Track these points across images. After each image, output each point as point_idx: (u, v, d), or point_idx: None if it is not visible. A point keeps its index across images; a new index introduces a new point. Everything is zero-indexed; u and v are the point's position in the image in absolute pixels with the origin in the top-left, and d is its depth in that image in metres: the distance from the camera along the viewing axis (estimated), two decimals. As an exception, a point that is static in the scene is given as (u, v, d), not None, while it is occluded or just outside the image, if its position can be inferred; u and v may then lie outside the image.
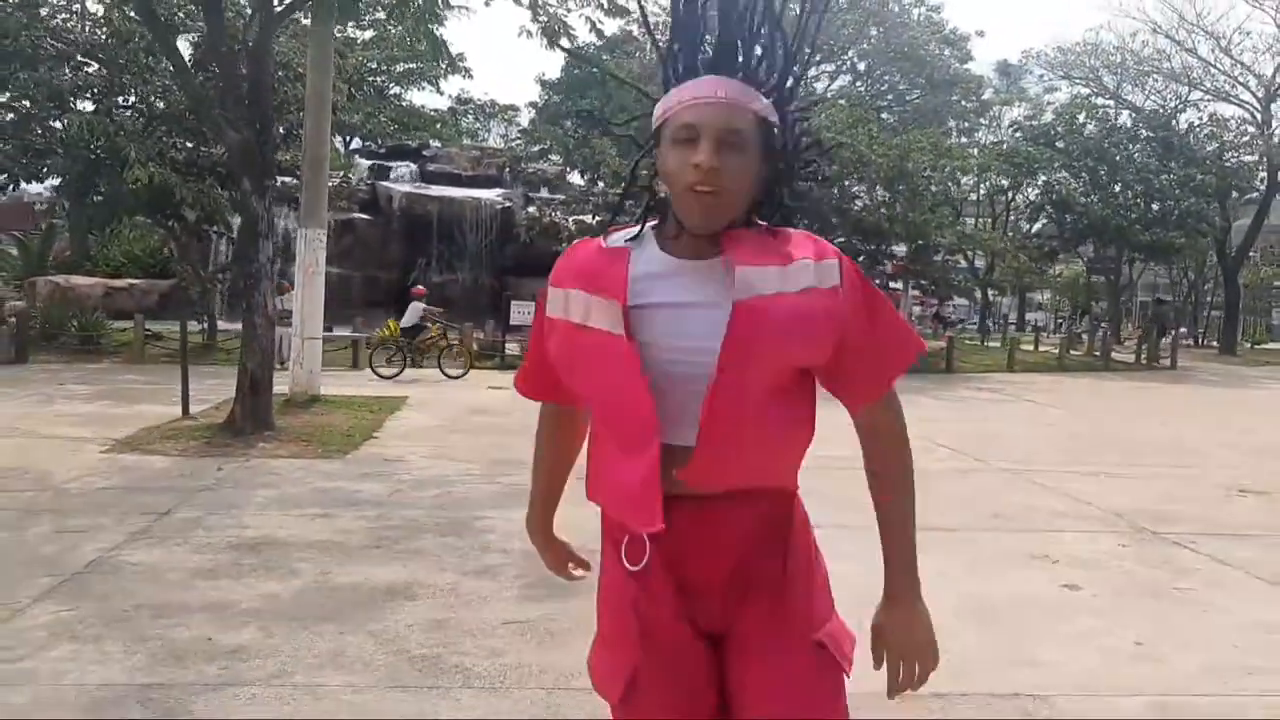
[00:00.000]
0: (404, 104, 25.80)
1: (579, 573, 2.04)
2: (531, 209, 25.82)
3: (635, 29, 29.29)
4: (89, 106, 15.92)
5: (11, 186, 16.27)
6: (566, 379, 1.66)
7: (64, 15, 15.89)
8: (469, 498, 6.78)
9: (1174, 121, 30.90)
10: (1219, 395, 18.85)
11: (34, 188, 17.79)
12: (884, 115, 29.69)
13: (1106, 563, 5.72)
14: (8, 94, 15.67)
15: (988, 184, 33.88)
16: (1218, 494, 7.97)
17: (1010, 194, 34.21)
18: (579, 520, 2.16)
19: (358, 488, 7.00)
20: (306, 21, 11.78)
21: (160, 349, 16.20)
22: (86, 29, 16.06)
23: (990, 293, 40.99)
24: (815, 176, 1.71)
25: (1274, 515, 7.24)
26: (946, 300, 37.37)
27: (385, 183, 26.68)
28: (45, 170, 16.14)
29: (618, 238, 1.62)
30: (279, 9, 9.16)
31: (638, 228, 1.62)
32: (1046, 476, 8.41)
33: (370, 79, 23.06)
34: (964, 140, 34.08)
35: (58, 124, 15.34)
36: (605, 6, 9.56)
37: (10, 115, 16.11)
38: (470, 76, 66.00)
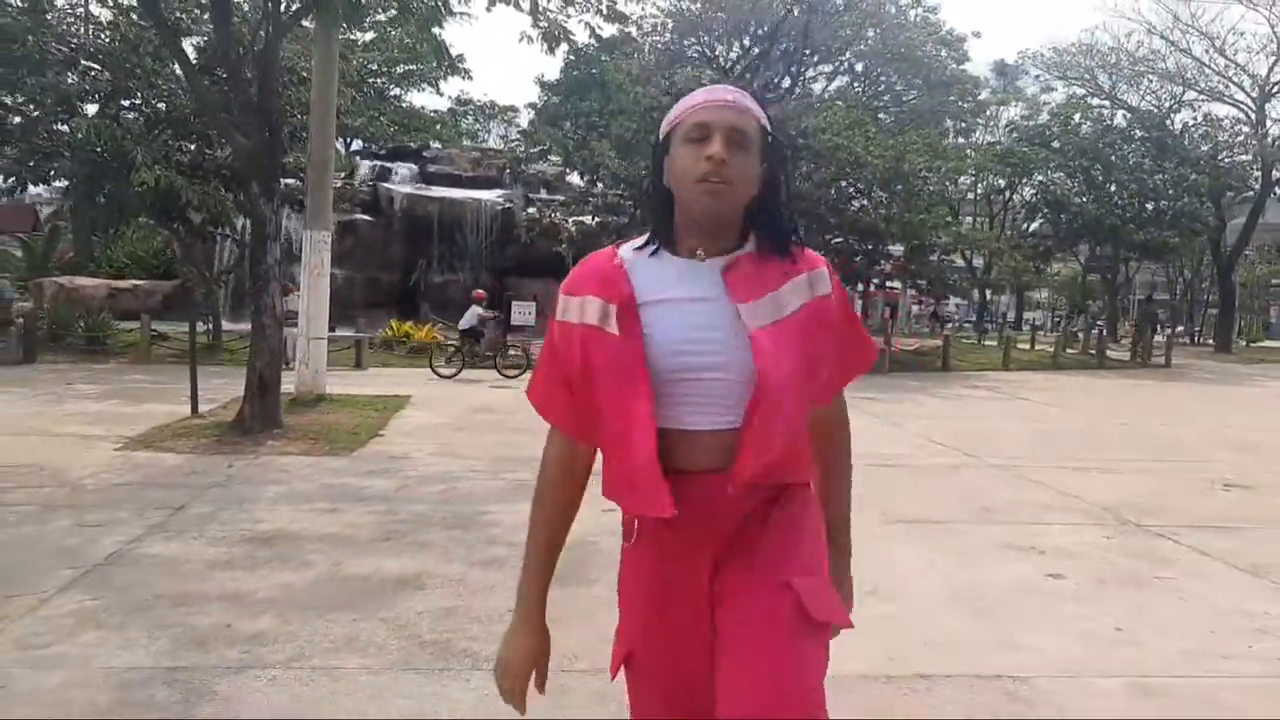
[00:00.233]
0: (404, 105, 25.96)
1: (530, 694, 1.84)
2: (531, 210, 26.01)
3: (634, 31, 29.55)
4: (94, 110, 16.09)
5: (19, 189, 16.44)
6: (580, 383, 1.73)
7: (70, 20, 16.06)
8: (474, 493, 6.97)
9: (1169, 121, 31.11)
10: (1211, 392, 19.04)
11: (34, 188, 17.96)
12: (881, 116, 29.88)
13: (1091, 553, 5.91)
14: (16, 99, 15.85)
15: (985, 184, 34.09)
16: (1203, 488, 8.16)
17: (1007, 194, 34.40)
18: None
19: (366, 483, 7.19)
20: (309, 24, 11.92)
21: (166, 349, 16.38)
22: (91, 32, 16.24)
23: (988, 292, 41.21)
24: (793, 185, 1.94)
25: (1256, 508, 7.44)
26: (943, 300, 37.60)
27: (386, 184, 26.87)
28: (52, 173, 16.32)
29: (628, 248, 1.77)
30: (286, 17, 9.34)
31: (644, 238, 1.76)
32: (1036, 472, 8.60)
33: (371, 80, 23.23)
34: (961, 140, 34.28)
35: (64, 128, 15.52)
36: (604, 13, 9.75)
37: (18, 119, 16.28)
38: (470, 78, 66.17)
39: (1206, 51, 32.30)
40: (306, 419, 10.00)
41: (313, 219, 11.99)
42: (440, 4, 9.98)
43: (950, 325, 37.12)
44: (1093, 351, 25.51)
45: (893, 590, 5.00)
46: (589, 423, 1.74)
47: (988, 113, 37.22)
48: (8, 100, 16.29)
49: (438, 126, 25.10)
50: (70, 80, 15.43)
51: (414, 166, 28.57)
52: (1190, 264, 39.44)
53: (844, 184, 20.96)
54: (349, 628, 4.17)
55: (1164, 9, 45.22)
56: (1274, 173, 30.53)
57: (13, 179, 16.11)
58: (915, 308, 42.32)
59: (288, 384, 10.46)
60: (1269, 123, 31.71)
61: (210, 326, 17.32)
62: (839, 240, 22.00)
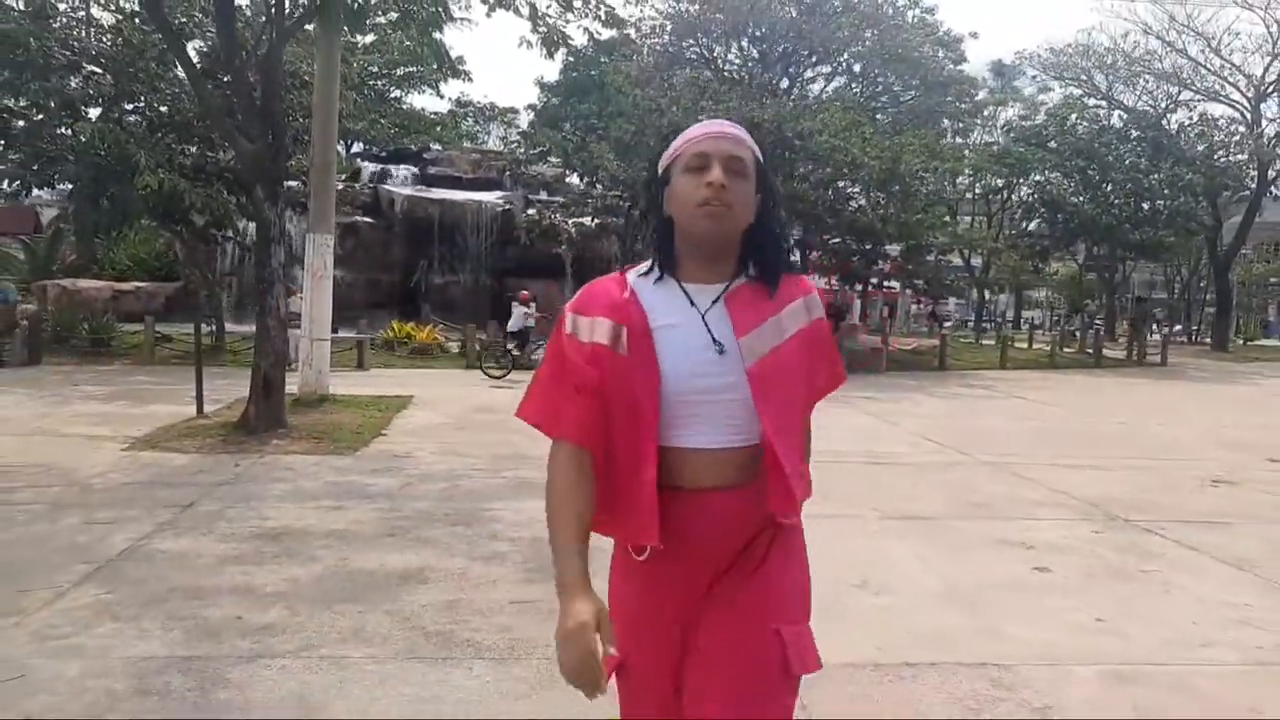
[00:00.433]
0: (405, 107, 26.12)
1: (611, 652, 1.71)
2: (531, 211, 26.14)
3: (633, 33, 29.71)
4: (98, 114, 16.22)
5: (24, 193, 16.58)
6: (594, 396, 1.75)
7: (73, 25, 16.19)
8: (476, 490, 7.11)
9: (1165, 121, 31.28)
10: (1205, 391, 19.18)
11: (36, 191, 18.11)
12: (879, 116, 30.03)
13: (1078, 548, 6.05)
14: (19, 103, 15.99)
15: (982, 184, 34.23)
16: (1192, 484, 8.30)
17: (1005, 194, 34.54)
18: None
19: (370, 481, 7.33)
20: (311, 28, 12.05)
21: (169, 351, 16.53)
22: (94, 36, 16.38)
23: (987, 291, 41.33)
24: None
25: (1243, 504, 7.58)
26: (942, 299, 37.72)
27: (387, 186, 27.01)
28: (56, 176, 16.46)
29: (633, 274, 1.85)
30: (289, 22, 9.48)
31: (648, 265, 1.85)
32: (1029, 469, 8.74)
33: (372, 83, 23.40)
34: (959, 140, 34.41)
35: (68, 131, 15.65)
36: (602, 19, 9.90)
37: (21, 123, 16.42)
38: (470, 80, 66.38)
39: (1202, 52, 32.51)
40: (310, 419, 10.14)
41: (315, 222, 12.14)
42: (440, 9, 10.11)
43: (948, 324, 37.29)
44: (1089, 350, 25.66)
45: (883, 584, 5.14)
46: (600, 432, 1.76)
47: (985, 113, 37.36)
48: (11, 104, 16.43)
49: (438, 128, 25.27)
50: (73, 84, 15.57)
51: (414, 168, 28.71)
52: (1188, 263, 39.56)
53: (841, 185, 21.11)
54: (355, 619, 4.32)
55: (1160, 10, 45.26)
56: (1270, 172, 30.68)
57: (17, 183, 16.24)
58: (914, 307, 42.46)
59: (291, 385, 10.60)
60: (1264, 122, 31.90)
61: (214, 328, 17.47)
62: (836, 240, 22.15)
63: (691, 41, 31.96)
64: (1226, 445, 10.85)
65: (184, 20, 14.20)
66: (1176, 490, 8.03)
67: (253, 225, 14.52)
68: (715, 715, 1.72)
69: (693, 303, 1.78)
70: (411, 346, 18.90)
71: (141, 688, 3.54)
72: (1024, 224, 32.98)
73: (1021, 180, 30.51)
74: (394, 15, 11.33)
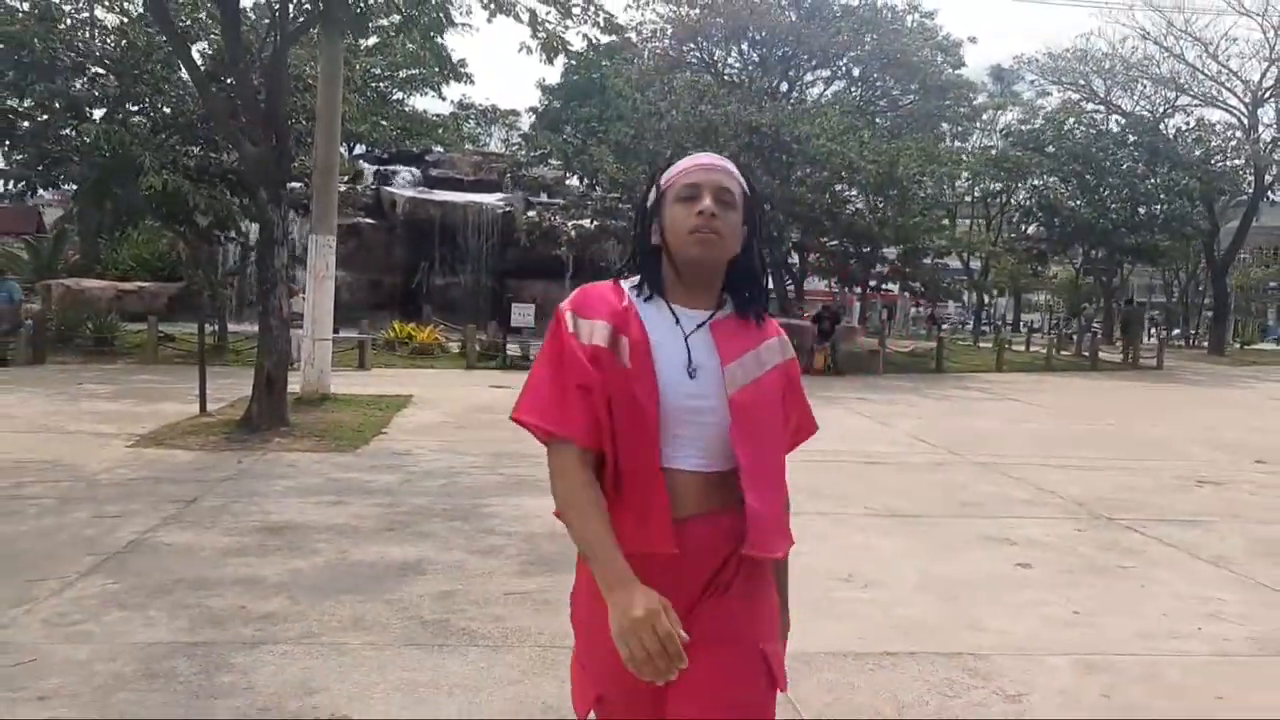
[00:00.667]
0: (407, 109, 26.25)
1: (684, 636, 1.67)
2: (531, 213, 26.30)
3: (633, 36, 29.88)
4: (102, 115, 16.40)
5: (30, 193, 16.76)
6: (600, 397, 1.74)
7: (78, 27, 16.37)
8: (474, 487, 7.27)
9: (1163, 126, 31.45)
10: (1199, 394, 19.32)
11: (39, 191, 18.32)
12: (878, 120, 30.18)
13: (1060, 545, 6.21)
14: (26, 103, 16.18)
15: (981, 188, 34.40)
16: (1177, 485, 8.45)
17: (1003, 197, 34.71)
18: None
19: (370, 478, 7.49)
20: (314, 32, 12.22)
21: (173, 350, 16.69)
22: (99, 39, 16.57)
23: (986, 294, 41.52)
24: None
25: (1226, 503, 7.73)
26: (940, 303, 37.90)
27: (389, 188, 27.17)
28: (61, 177, 16.64)
29: (628, 285, 1.88)
30: (293, 27, 9.65)
31: (639, 279, 1.88)
32: (1017, 469, 8.89)
33: (374, 85, 23.53)
34: (958, 144, 34.57)
35: (72, 132, 15.82)
36: (601, 25, 10.05)
37: (26, 123, 16.59)
38: (472, 82, 66.50)
39: (1200, 57, 32.69)
40: (312, 417, 10.30)
41: (318, 223, 12.31)
42: (442, 15, 10.27)
43: (946, 327, 37.44)
44: (1086, 354, 25.81)
45: (868, 577, 5.30)
46: (606, 434, 1.73)
47: (984, 116, 37.53)
48: (16, 105, 16.61)
49: (440, 131, 25.36)
50: (78, 86, 15.74)
51: (416, 170, 28.86)
52: (1185, 267, 39.71)
53: (839, 188, 21.27)
54: (355, 609, 4.47)
55: (1159, 15, 45.44)
56: (1266, 177, 30.83)
57: (22, 183, 16.41)
58: (913, 310, 42.65)
59: (293, 384, 10.75)
60: (1261, 127, 32.04)
61: (217, 328, 17.62)
62: (834, 243, 22.31)
63: (692, 45, 32.14)
64: (1215, 447, 10.99)
65: (189, 23, 14.37)
66: (1161, 490, 8.18)
67: (255, 226, 14.71)
68: None
69: (678, 322, 1.82)
70: (412, 347, 19.04)
71: (148, 671, 3.69)
72: (1022, 227, 33.13)
73: (1019, 184, 30.66)
74: (397, 19, 11.46)
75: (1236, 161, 29.93)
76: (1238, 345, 39.18)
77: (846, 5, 30.83)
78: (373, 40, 20.55)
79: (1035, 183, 29.07)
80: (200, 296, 17.94)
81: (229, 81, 12.68)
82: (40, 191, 18.42)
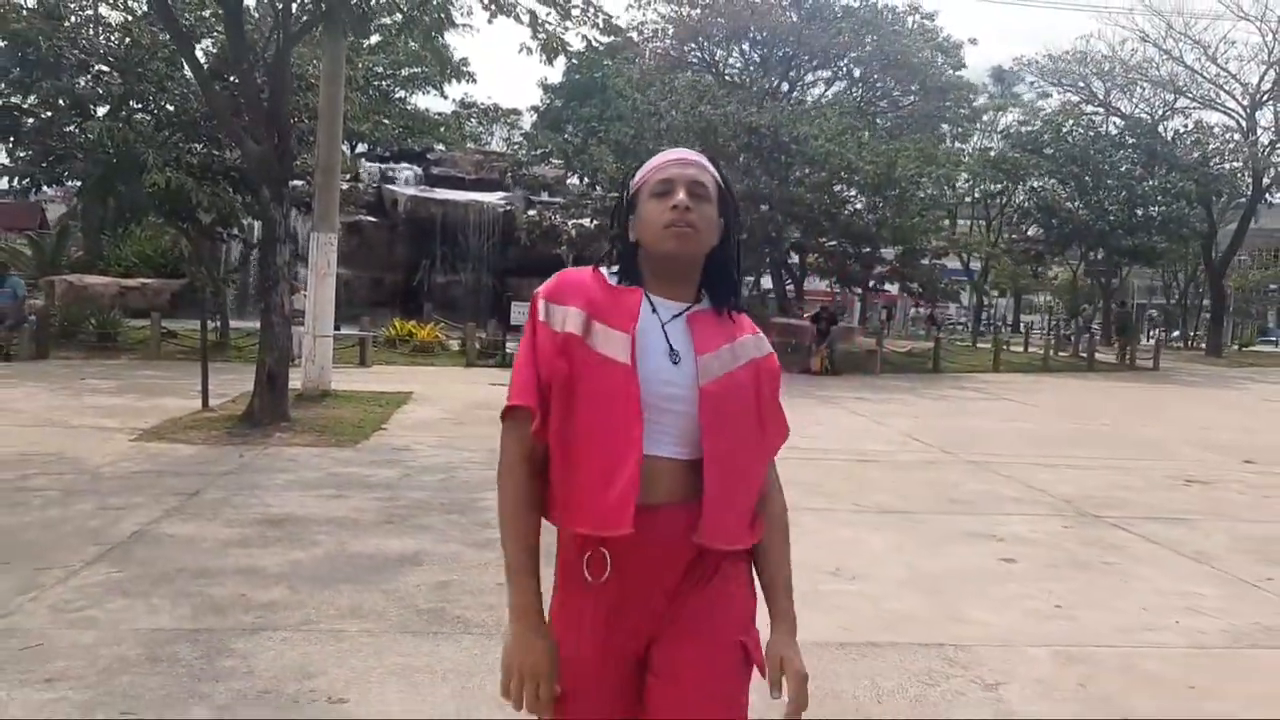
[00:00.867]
0: (409, 108, 26.38)
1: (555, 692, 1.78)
2: (532, 212, 26.42)
3: (635, 36, 29.97)
4: (105, 113, 16.51)
5: (34, 190, 16.89)
6: (559, 389, 1.76)
7: (83, 25, 16.50)
8: (471, 481, 7.38)
9: (1162, 128, 31.55)
10: (1193, 395, 19.42)
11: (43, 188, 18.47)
12: (878, 121, 30.27)
13: (1045, 541, 6.32)
14: (30, 100, 16.31)
15: (981, 189, 34.50)
16: (1165, 484, 8.57)
17: (1003, 198, 34.81)
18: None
19: (369, 473, 7.61)
20: (317, 30, 12.33)
21: (175, 346, 16.82)
22: (103, 37, 16.70)
23: (985, 296, 41.61)
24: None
25: (1212, 502, 7.85)
26: (941, 304, 38.00)
27: (391, 186, 27.30)
28: (65, 174, 16.76)
29: (606, 272, 1.88)
30: (296, 28, 9.77)
31: (618, 268, 1.89)
32: (1009, 468, 9.01)
33: (376, 83, 23.64)
34: (959, 145, 34.66)
35: (76, 130, 15.94)
36: (600, 26, 10.16)
37: (31, 120, 16.73)
38: (474, 81, 66.71)
39: (1199, 60, 32.79)
40: (313, 413, 10.41)
41: (319, 221, 12.43)
42: (443, 16, 10.38)
43: (946, 327, 37.56)
44: (1083, 355, 25.92)
45: (856, 571, 5.41)
46: (554, 424, 1.77)
47: (985, 117, 37.61)
48: (20, 102, 16.74)
49: (442, 129, 25.49)
50: (83, 84, 15.86)
51: (418, 169, 29.00)
52: (1184, 269, 39.82)
53: (838, 189, 21.36)
54: (353, 598, 4.59)
55: (1158, 18, 45.59)
56: (1264, 179, 30.93)
57: (27, 180, 16.54)
58: (913, 310, 42.75)
59: (295, 380, 10.86)
60: (1259, 130, 32.11)
61: (219, 324, 17.74)
62: (833, 244, 22.41)
63: (693, 45, 32.23)
64: (1206, 447, 11.10)
65: (193, 21, 14.49)
66: (1149, 489, 8.29)
67: (258, 223, 14.83)
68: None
69: (655, 310, 1.83)
70: (413, 344, 19.16)
71: (152, 655, 3.81)
72: (1022, 228, 33.22)
73: (1018, 186, 30.77)
74: (399, 18, 11.57)
75: (1235, 164, 30.02)
76: (1235, 347, 39.26)
77: (847, 6, 30.90)
78: (375, 39, 20.68)
79: (1034, 184, 29.18)
80: (202, 293, 18.05)
81: (232, 80, 12.80)
82: (44, 188, 18.53)
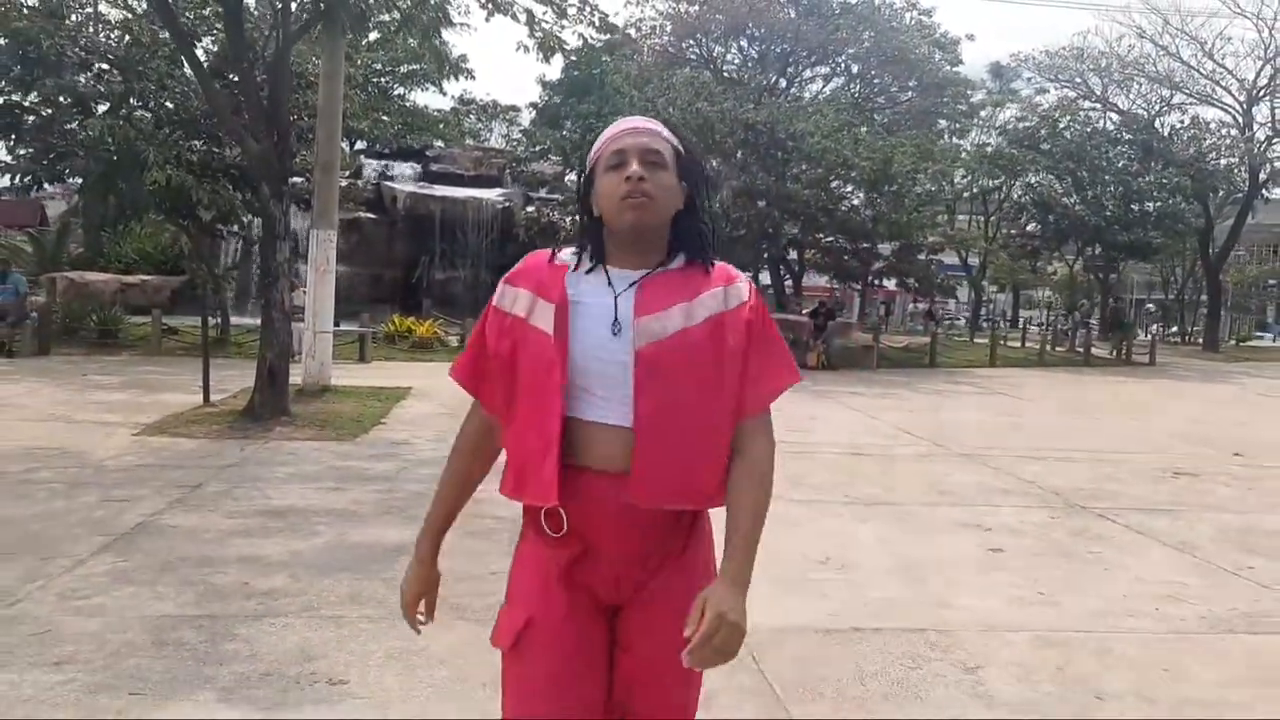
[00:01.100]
0: (408, 105, 26.43)
1: (421, 619, 2.12)
2: (530, 209, 26.51)
3: (633, 33, 30.06)
4: (105, 110, 16.61)
5: (36, 187, 17.00)
6: (501, 368, 1.87)
7: (84, 23, 16.60)
8: (468, 475, 7.49)
9: (1158, 124, 31.67)
10: (1187, 389, 19.54)
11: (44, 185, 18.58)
12: (876, 116, 30.37)
13: (1032, 531, 6.44)
14: (32, 98, 16.41)
15: (979, 185, 34.61)
16: (1153, 476, 8.68)
17: (1000, 194, 34.92)
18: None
19: (368, 466, 7.73)
20: (317, 28, 12.42)
21: (176, 343, 16.94)
22: (103, 35, 16.80)
23: (984, 290, 41.69)
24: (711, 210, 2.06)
25: (1198, 494, 7.97)
26: (939, 299, 38.10)
27: (390, 183, 27.38)
28: (66, 171, 16.86)
29: (567, 252, 1.92)
30: (295, 27, 9.88)
31: (575, 247, 1.93)
32: (999, 460, 9.13)
33: (375, 80, 23.71)
34: (957, 141, 34.77)
35: (77, 127, 16.03)
36: (596, 25, 10.26)
37: (32, 118, 16.83)
38: (472, 78, 66.71)
39: (1195, 56, 32.89)
40: (313, 408, 10.53)
41: (319, 218, 12.54)
42: (440, 15, 10.49)
43: (945, 323, 37.65)
44: (1079, 350, 26.04)
45: (844, 560, 5.53)
46: (507, 404, 1.88)
47: (983, 113, 37.70)
48: (21, 100, 16.83)
49: (441, 126, 25.55)
50: (84, 82, 15.96)
51: (417, 165, 29.05)
52: (1182, 264, 39.93)
53: (834, 185, 21.47)
54: (352, 585, 4.71)
55: (1155, 14, 45.66)
56: (1261, 175, 31.03)
57: (29, 177, 16.65)
58: (911, 306, 42.84)
59: (295, 375, 10.97)
60: (1256, 126, 32.23)
61: (219, 321, 17.84)
62: (830, 240, 22.52)
63: (691, 42, 32.32)
64: (1196, 440, 11.22)
65: (193, 20, 14.59)
66: (1137, 481, 8.41)
67: (258, 220, 14.93)
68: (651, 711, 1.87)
69: (611, 284, 1.85)
70: (412, 340, 19.25)
71: (158, 640, 3.94)
72: (1021, 222, 33.34)
73: (1015, 181, 30.89)
74: (397, 16, 11.68)
75: (1231, 160, 30.12)
76: (1233, 342, 39.37)
77: (845, 2, 30.98)
78: (373, 35, 20.78)
79: (1030, 180, 29.29)
80: (202, 290, 18.17)
81: (232, 79, 12.91)
82: (45, 185, 18.64)
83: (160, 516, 5.89)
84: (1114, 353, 25.96)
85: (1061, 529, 6.54)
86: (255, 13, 13.78)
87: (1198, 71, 32.72)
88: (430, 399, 11.99)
